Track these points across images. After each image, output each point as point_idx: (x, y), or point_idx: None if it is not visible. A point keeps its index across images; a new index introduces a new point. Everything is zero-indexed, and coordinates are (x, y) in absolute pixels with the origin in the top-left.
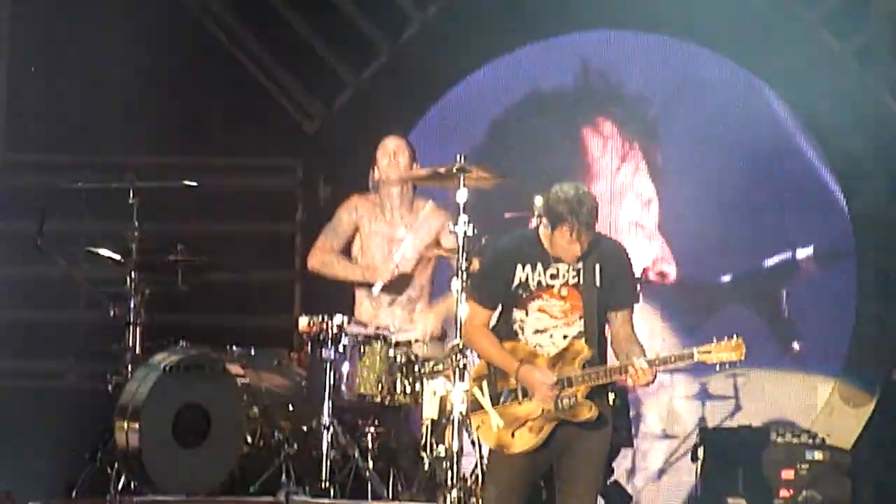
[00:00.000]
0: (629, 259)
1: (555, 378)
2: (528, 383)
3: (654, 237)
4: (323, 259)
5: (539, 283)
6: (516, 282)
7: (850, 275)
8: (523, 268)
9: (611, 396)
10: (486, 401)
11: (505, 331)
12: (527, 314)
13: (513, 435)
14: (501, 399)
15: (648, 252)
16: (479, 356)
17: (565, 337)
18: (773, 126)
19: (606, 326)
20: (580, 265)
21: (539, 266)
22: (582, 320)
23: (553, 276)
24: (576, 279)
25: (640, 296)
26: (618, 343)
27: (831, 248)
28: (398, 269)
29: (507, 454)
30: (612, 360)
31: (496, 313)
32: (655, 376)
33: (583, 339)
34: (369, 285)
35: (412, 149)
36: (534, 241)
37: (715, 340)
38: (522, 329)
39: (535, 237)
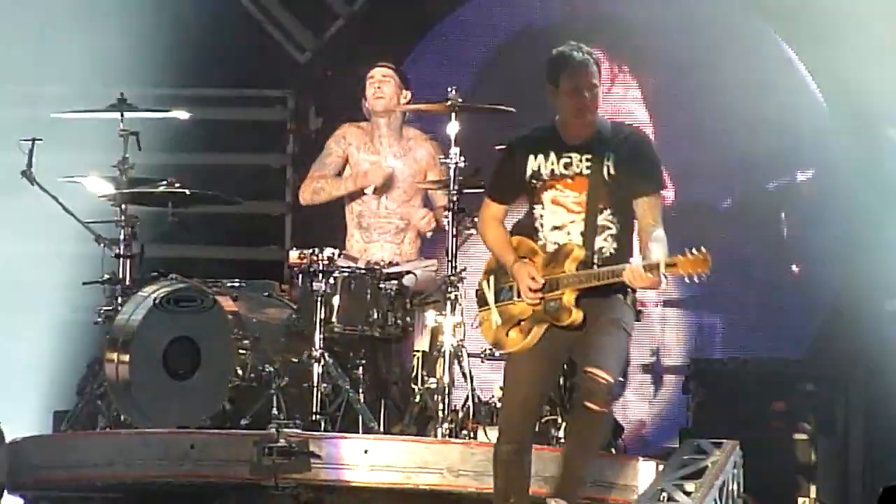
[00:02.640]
0: (649, 142)
1: (541, 279)
2: (518, 281)
3: None
4: (313, 187)
5: (552, 171)
6: (528, 171)
7: (846, 199)
8: (535, 156)
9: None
10: (490, 296)
11: (528, 229)
12: (543, 207)
13: (507, 334)
14: (502, 296)
15: None
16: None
17: (582, 234)
18: (770, 50)
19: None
20: (591, 153)
21: (552, 154)
22: (606, 212)
23: (567, 166)
24: (589, 169)
25: (665, 182)
26: (639, 235)
27: (830, 170)
28: (389, 170)
29: (510, 354)
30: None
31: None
32: (659, 281)
33: (577, 237)
34: (362, 194)
35: (401, 77)
36: (549, 128)
37: (683, 253)
38: (542, 226)
39: (550, 125)
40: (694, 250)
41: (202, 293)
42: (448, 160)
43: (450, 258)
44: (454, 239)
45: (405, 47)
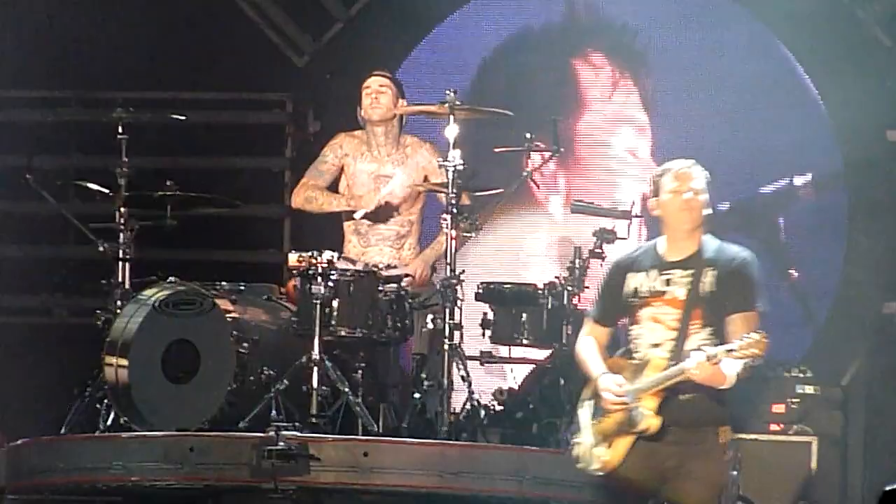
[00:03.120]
0: (753, 264)
1: (624, 387)
2: (602, 391)
3: (648, 165)
4: (305, 195)
5: (651, 289)
6: (628, 290)
7: (842, 204)
8: (636, 274)
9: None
10: (585, 418)
11: (625, 352)
12: (640, 325)
13: (595, 452)
14: (595, 415)
15: (643, 180)
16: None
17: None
18: (769, 54)
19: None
20: (692, 269)
21: (654, 271)
22: (704, 331)
23: (668, 283)
24: (687, 286)
25: (765, 302)
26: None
27: (827, 174)
28: (384, 201)
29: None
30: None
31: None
32: (723, 375)
33: (668, 351)
34: (353, 214)
35: (397, 85)
36: (650, 248)
37: (741, 340)
38: (637, 347)
39: (652, 244)
40: (753, 334)
41: (201, 296)
42: (446, 163)
43: (448, 261)
44: (452, 241)
45: (403, 51)
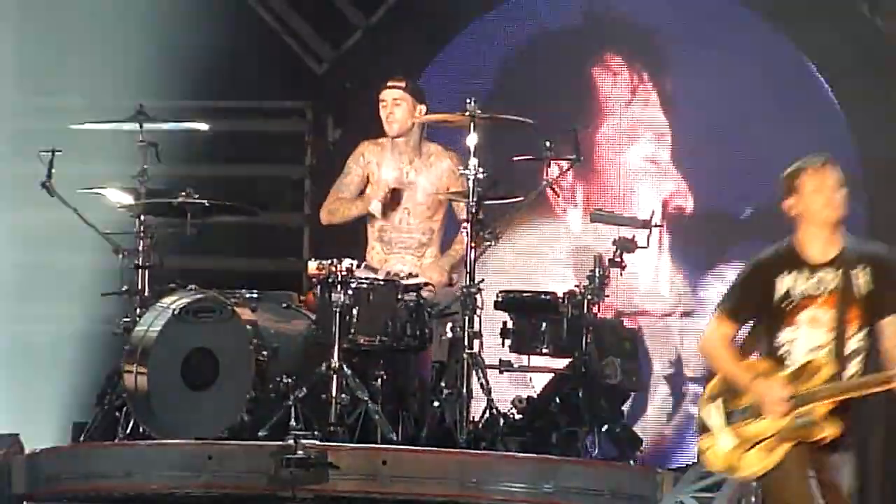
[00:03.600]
0: None
1: (788, 394)
2: (760, 398)
3: (668, 172)
4: (329, 209)
5: (804, 291)
6: (779, 293)
7: (862, 208)
8: (785, 276)
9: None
10: (718, 420)
11: (769, 358)
12: (794, 328)
13: (742, 457)
14: (732, 418)
15: (663, 188)
16: (714, 371)
17: (833, 353)
18: (786, 56)
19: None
20: (839, 269)
21: (804, 273)
22: (861, 332)
23: (820, 284)
24: (839, 287)
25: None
26: (887, 355)
27: (847, 178)
28: (398, 186)
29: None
30: None
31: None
32: None
33: (827, 354)
34: (370, 209)
35: (415, 93)
36: (789, 249)
37: None
38: (791, 351)
39: (788, 245)
40: None
41: (221, 304)
42: (467, 171)
43: (468, 270)
44: (472, 250)
45: (422, 59)
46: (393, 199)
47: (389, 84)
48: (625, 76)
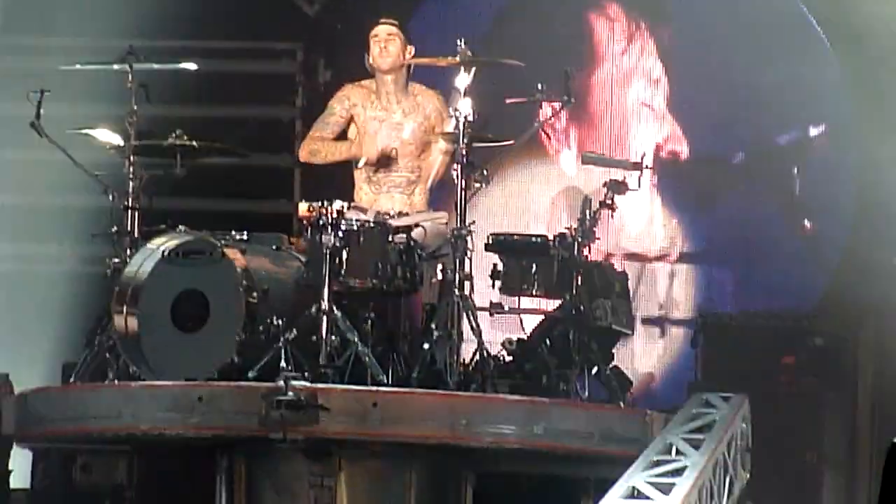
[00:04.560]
0: None
1: None
2: None
3: (664, 117)
4: (310, 148)
5: None
6: None
7: (854, 155)
8: None
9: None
10: None
11: None
12: None
13: None
14: None
15: (658, 132)
16: None
17: None
18: (783, 4)
19: None
20: None
21: None
22: None
23: None
24: None
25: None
26: None
27: (840, 126)
28: (388, 149)
29: None
30: None
31: None
32: None
33: None
34: (357, 163)
35: (405, 33)
36: None
37: None
38: None
39: None
40: None
41: (211, 246)
42: (457, 113)
43: (459, 211)
44: (463, 192)
45: (413, 1)
46: (380, 163)
47: (382, 20)
48: (622, 24)
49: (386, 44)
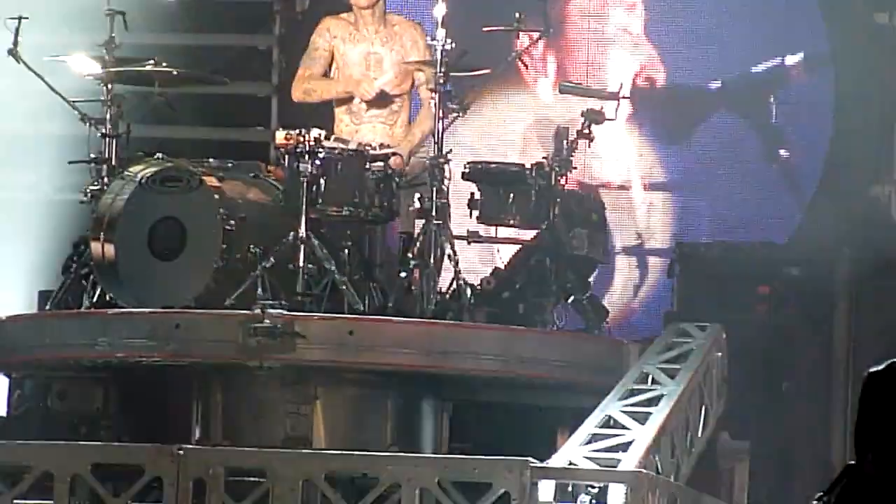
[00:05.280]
0: None
1: None
2: None
3: (640, 43)
4: (304, 88)
5: None
6: None
7: (830, 85)
8: None
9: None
10: None
11: None
12: None
13: None
14: None
15: (635, 58)
16: None
17: None
18: None
19: None
20: None
21: None
22: None
23: None
24: None
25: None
26: None
27: (816, 55)
28: (382, 88)
29: None
30: None
31: None
32: None
33: None
34: (351, 98)
35: None
36: None
37: None
38: None
39: None
40: None
41: (189, 173)
42: (434, 42)
43: (436, 140)
44: (441, 121)
45: None
46: (375, 99)
47: None
48: None
49: None
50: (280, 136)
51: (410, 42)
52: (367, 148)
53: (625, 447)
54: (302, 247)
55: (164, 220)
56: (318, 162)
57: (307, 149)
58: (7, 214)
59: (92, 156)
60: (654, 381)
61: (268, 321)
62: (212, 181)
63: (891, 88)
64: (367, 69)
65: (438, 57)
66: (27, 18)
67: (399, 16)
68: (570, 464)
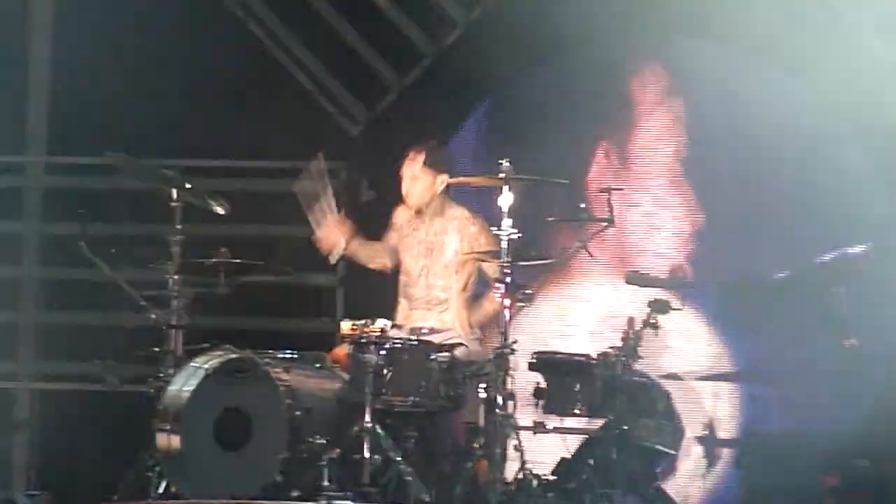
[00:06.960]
0: None
1: None
2: None
3: (699, 232)
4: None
5: None
6: None
7: None
8: None
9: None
10: None
11: None
12: None
13: None
14: None
15: (696, 249)
16: None
17: None
18: (810, 114)
19: None
20: None
21: None
22: None
23: None
24: None
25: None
26: None
27: (884, 242)
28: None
29: None
30: None
31: None
32: None
33: None
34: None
35: (438, 163)
36: None
37: None
38: None
39: None
40: None
41: (254, 364)
42: (500, 232)
43: (502, 330)
44: (506, 312)
45: (457, 119)
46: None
47: (409, 158)
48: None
49: (411, 183)
50: (345, 325)
51: (468, 236)
52: (422, 332)
53: None
54: (367, 437)
55: (230, 410)
56: (383, 352)
57: (372, 339)
58: (73, 406)
59: (157, 347)
60: None
61: None
62: (277, 372)
63: None
64: (422, 256)
65: (504, 246)
66: (92, 213)
67: (461, 208)
68: None
